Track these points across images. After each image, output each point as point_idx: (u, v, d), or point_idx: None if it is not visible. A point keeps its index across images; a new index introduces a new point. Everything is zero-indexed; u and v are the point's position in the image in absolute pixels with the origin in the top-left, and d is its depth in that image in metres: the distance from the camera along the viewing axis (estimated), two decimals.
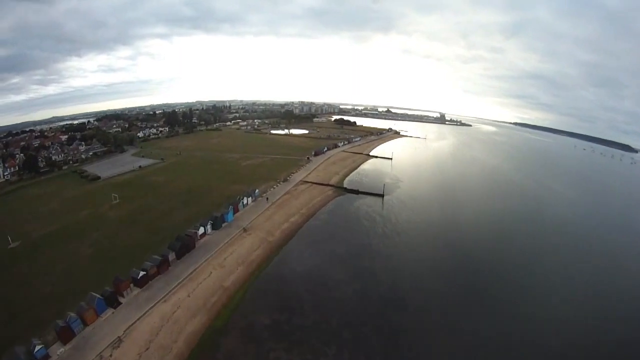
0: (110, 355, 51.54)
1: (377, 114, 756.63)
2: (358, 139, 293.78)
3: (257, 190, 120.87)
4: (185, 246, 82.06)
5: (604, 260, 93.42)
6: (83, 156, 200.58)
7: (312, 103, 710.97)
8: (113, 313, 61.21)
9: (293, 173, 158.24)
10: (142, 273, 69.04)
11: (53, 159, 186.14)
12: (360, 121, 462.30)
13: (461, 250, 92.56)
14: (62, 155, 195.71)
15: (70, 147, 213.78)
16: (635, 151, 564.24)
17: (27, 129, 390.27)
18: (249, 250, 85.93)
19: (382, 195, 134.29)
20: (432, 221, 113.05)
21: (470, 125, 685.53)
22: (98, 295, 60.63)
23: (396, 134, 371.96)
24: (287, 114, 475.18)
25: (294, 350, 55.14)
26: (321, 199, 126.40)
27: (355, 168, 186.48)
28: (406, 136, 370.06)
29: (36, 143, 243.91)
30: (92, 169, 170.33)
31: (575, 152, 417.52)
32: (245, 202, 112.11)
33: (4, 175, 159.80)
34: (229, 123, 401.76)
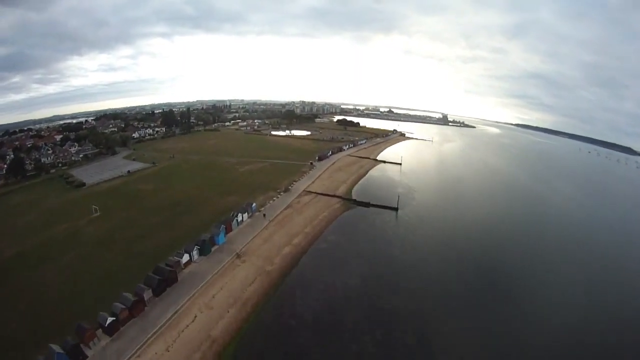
0: None
1: (379, 114, 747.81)
2: (363, 141, 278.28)
3: (254, 205, 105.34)
4: (166, 280, 66.77)
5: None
6: (73, 158, 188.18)
7: (313, 103, 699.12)
8: None
9: (295, 181, 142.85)
10: (110, 320, 54.59)
11: (42, 161, 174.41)
12: (364, 122, 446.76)
13: (501, 286, 77.24)
14: (52, 157, 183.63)
15: (63, 148, 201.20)
16: (638, 154, 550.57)
17: (26, 128, 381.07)
18: (243, 283, 70.52)
19: (396, 209, 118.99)
20: (456, 244, 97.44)
21: (474, 127, 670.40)
22: (58, 349, 47.38)
23: (402, 136, 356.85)
24: (288, 114, 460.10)
25: None
26: (328, 213, 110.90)
27: (364, 175, 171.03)
28: (412, 138, 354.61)
29: (30, 143, 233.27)
30: (79, 173, 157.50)
31: (581, 155, 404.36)
32: (240, 219, 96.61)
33: None
34: (228, 123, 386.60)
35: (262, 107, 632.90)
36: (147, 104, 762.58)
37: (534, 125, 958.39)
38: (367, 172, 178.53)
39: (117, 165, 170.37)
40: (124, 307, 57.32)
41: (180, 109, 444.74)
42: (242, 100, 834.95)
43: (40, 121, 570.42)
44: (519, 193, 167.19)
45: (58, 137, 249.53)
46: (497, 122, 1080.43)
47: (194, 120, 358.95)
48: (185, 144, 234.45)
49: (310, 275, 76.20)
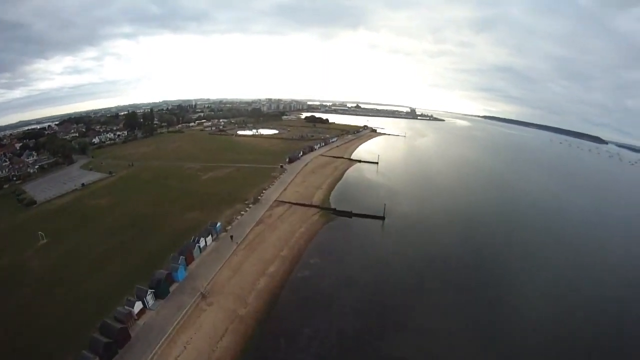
0: None
1: (346, 109, 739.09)
2: (335, 139, 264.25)
3: (218, 224, 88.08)
4: (116, 341, 49.41)
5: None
6: (30, 170, 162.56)
7: (280, 100, 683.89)
8: None
9: (265, 189, 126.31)
10: None
11: None
12: (332, 118, 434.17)
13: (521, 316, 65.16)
14: (8, 169, 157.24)
15: (19, 158, 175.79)
16: (606, 143, 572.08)
17: None
18: (212, 338, 53.86)
19: (382, 218, 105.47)
20: (455, 254, 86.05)
21: (444, 120, 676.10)
22: None
23: (373, 132, 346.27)
24: (255, 113, 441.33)
25: None
26: (306, 228, 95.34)
27: (340, 177, 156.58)
28: (384, 134, 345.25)
29: None
30: (32, 188, 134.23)
31: (554, 146, 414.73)
32: (202, 244, 79.41)
33: None
34: (192, 124, 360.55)
35: (228, 105, 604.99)
36: (113, 105, 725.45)
37: (501, 116, 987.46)
38: (343, 174, 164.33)
39: (73, 177, 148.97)
40: None
41: (145, 110, 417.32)
42: (209, 100, 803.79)
43: (5, 128, 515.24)
44: (508, 191, 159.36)
45: (19, 146, 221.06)
46: (464, 114, 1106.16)
47: (157, 122, 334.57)
48: (147, 149, 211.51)
49: (294, 317, 60.31)
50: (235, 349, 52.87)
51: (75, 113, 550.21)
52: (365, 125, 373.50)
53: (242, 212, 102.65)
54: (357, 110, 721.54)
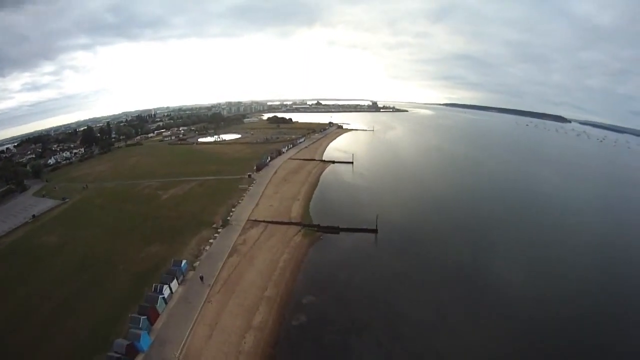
0: None
1: (308, 107, 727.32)
2: (302, 139, 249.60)
3: (183, 262, 71.02)
4: None
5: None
6: None
7: (239, 103, 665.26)
8: None
9: (234, 206, 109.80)
10: None
11: None
12: (295, 117, 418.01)
13: None
14: None
15: None
16: (569, 121, 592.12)
17: None
18: None
19: (375, 231, 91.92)
20: (467, 267, 74.82)
21: (407, 111, 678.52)
22: None
23: (340, 129, 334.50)
24: (215, 117, 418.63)
25: None
26: (289, 255, 79.74)
27: (316, 184, 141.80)
28: (351, 129, 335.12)
29: None
30: None
31: (522, 129, 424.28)
32: (167, 292, 62.40)
33: None
34: (151, 134, 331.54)
35: (187, 112, 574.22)
36: (73, 121, 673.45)
37: (462, 103, 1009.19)
38: (318, 179, 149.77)
39: (25, 207, 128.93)
40: None
41: (104, 123, 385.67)
42: (168, 108, 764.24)
43: None
44: (494, 182, 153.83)
45: None
46: (426, 103, 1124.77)
47: (114, 136, 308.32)
48: (103, 167, 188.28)
49: None
50: None
51: (35, 132, 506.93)
52: (330, 122, 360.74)
53: (211, 240, 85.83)
54: (319, 107, 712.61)
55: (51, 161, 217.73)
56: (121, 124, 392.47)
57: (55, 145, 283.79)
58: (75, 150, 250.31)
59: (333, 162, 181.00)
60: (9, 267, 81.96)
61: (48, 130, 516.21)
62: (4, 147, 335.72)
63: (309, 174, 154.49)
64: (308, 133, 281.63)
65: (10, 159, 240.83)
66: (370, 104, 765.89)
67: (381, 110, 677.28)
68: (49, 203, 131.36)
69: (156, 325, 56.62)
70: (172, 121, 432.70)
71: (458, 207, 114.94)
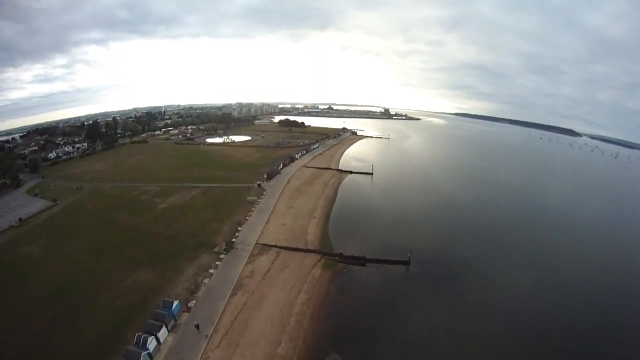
0: None
1: (319, 111, 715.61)
2: (316, 144, 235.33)
3: (175, 303, 56.03)
4: None
5: None
6: None
7: (250, 104, 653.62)
8: None
9: (241, 224, 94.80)
10: None
11: None
12: (307, 121, 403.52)
13: None
14: None
15: None
16: (580, 135, 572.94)
17: None
18: None
19: (407, 263, 76.37)
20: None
21: (419, 119, 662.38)
22: None
23: (355, 135, 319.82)
24: (225, 118, 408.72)
25: None
26: (307, 295, 63.90)
27: (334, 198, 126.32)
28: (366, 136, 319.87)
29: None
30: None
31: (537, 142, 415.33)
32: (153, 346, 47.53)
33: None
34: (158, 132, 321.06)
35: (197, 111, 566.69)
36: (83, 114, 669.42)
37: (473, 113, 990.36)
38: (336, 191, 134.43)
39: (14, 207, 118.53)
40: None
41: (115, 117, 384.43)
42: (179, 106, 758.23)
43: None
44: (531, 204, 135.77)
45: None
46: (437, 112, 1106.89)
47: (120, 132, 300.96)
48: (103, 165, 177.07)
49: None
50: None
51: (45, 123, 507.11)
52: (344, 128, 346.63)
53: (211, 270, 70.66)
54: (331, 112, 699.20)
55: (51, 155, 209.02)
56: (129, 120, 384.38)
57: (60, 138, 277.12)
58: (78, 145, 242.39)
59: (351, 172, 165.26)
60: None
61: (57, 122, 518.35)
62: (10, 137, 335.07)
63: (326, 186, 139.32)
64: (322, 138, 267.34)
65: (12, 150, 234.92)
66: (383, 110, 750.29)
67: (393, 117, 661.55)
68: (39, 204, 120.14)
69: None
70: (180, 119, 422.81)
71: (497, 232, 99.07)
